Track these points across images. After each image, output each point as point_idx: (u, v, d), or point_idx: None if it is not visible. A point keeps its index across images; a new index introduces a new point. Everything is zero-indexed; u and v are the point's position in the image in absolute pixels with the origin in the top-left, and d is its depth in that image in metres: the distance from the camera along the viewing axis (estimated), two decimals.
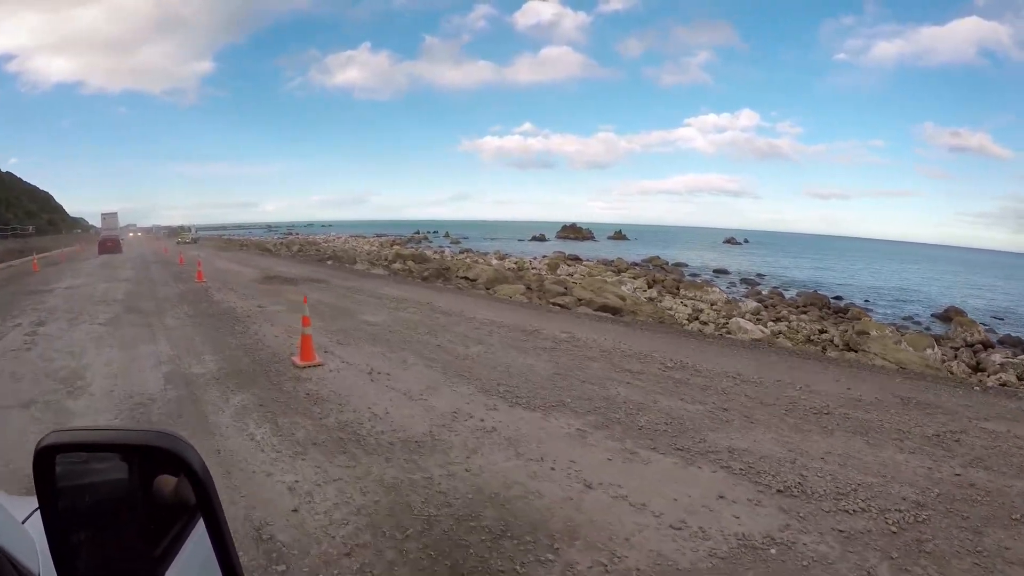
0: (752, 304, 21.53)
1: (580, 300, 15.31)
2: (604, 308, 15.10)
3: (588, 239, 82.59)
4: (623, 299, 17.22)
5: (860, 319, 21.57)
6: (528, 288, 17.37)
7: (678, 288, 24.49)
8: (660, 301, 20.16)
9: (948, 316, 26.39)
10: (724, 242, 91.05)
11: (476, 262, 24.63)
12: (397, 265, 25.02)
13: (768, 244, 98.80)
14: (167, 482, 1.01)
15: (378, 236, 69.51)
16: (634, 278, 26.65)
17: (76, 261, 26.50)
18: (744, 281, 33.38)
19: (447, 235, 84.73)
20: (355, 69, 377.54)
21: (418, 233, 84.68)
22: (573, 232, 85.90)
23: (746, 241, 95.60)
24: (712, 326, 16.54)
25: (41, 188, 73.71)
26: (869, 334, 15.64)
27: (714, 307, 20.56)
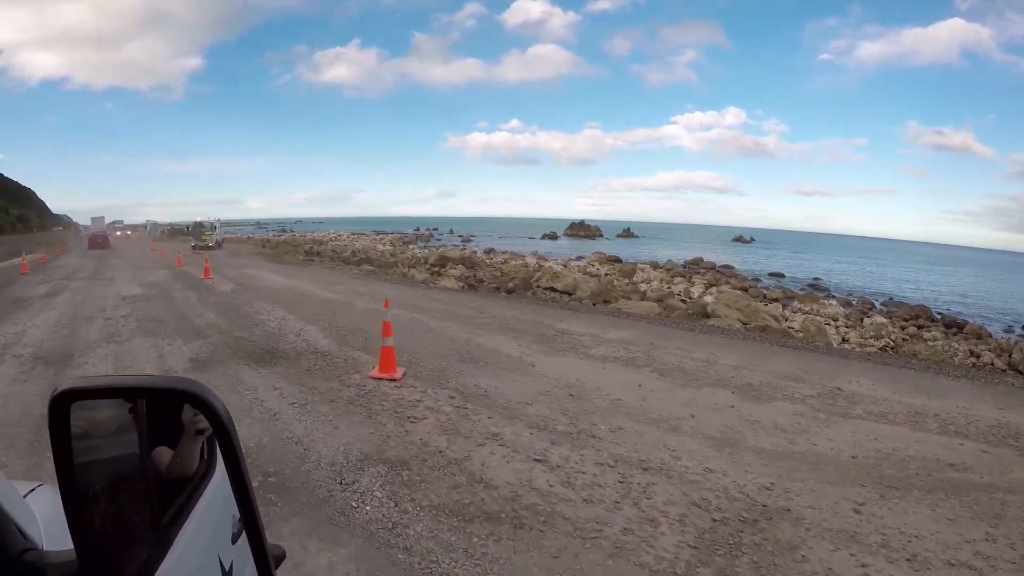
0: (881, 320, 18.63)
1: (747, 324, 12.12)
2: (783, 335, 11.95)
3: (598, 237, 79.66)
4: (776, 319, 14.15)
5: (981, 336, 19.09)
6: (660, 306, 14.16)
7: (770, 299, 21.52)
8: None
9: None
10: (733, 240, 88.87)
11: (558, 270, 21.07)
12: (453, 271, 21.54)
13: (775, 243, 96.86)
14: (163, 454, 1.04)
15: (378, 234, 65.24)
16: (711, 284, 23.62)
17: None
18: (814, 287, 30.55)
19: (451, 232, 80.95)
20: (343, 66, 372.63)
21: (418, 230, 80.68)
22: (582, 230, 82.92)
23: (752, 240, 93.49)
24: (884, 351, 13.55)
25: (23, 184, 68.19)
26: None
27: (837, 323, 17.67)
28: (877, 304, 25.35)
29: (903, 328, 18.63)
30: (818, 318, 17.21)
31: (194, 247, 31.52)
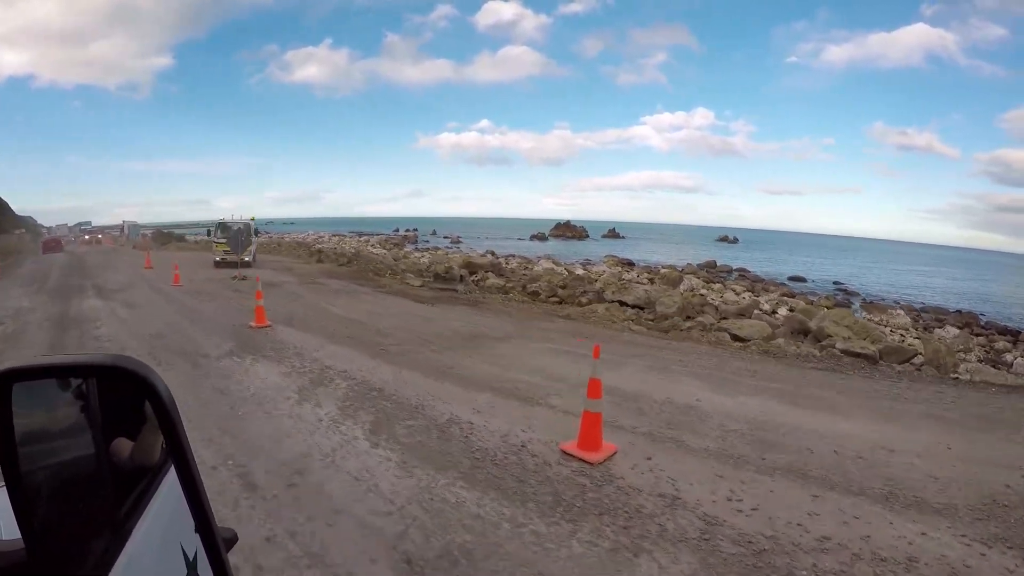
0: (954, 331, 17.62)
1: (876, 346, 10.69)
2: (907, 360, 10.56)
3: (584, 237, 78.60)
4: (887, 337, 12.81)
5: None
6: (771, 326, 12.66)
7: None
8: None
9: None
10: (718, 240, 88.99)
11: (621, 282, 19.32)
12: (492, 280, 19.72)
13: (759, 243, 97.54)
14: (123, 445, 1.00)
15: (360, 235, 62.27)
16: (750, 291, 22.39)
17: None
18: (844, 292, 29.76)
19: (434, 232, 78.59)
20: (315, 66, 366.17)
21: (397, 231, 77.94)
22: (568, 230, 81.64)
23: (736, 240, 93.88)
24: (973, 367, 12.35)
25: None
26: None
27: (908, 333, 16.60)
28: (918, 310, 24.59)
29: (980, 340, 17.73)
30: (927, 334, 16.08)
31: (218, 263, 19.67)
